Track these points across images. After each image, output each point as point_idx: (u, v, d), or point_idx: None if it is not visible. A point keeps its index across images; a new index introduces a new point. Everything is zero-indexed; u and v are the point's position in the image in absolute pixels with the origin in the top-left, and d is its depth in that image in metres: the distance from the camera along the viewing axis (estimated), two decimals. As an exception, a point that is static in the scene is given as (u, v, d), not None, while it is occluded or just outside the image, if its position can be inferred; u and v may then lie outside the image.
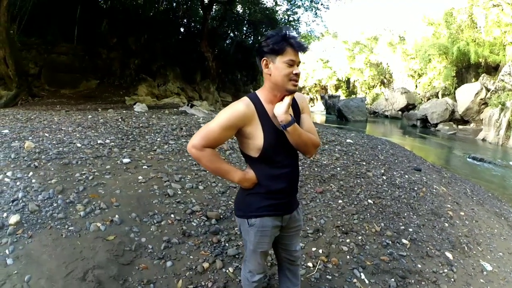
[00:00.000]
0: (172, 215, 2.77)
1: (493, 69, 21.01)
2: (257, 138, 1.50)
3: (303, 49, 1.50)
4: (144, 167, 3.58)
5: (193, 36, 18.55)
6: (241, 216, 1.68)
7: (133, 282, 2.08)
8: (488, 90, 18.84)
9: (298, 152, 1.65)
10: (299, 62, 1.50)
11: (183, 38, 18.84)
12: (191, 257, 2.38)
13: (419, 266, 2.85)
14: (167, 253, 2.36)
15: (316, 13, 19.82)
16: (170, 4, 18.50)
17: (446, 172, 7.45)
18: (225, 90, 19.67)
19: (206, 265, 2.33)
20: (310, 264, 2.59)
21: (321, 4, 19.11)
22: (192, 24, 19.52)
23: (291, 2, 19.85)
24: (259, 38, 22.50)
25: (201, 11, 17.28)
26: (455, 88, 22.81)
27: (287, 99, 1.50)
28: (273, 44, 1.45)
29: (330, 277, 2.49)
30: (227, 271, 2.33)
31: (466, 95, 20.18)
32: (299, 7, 19.89)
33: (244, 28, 22.17)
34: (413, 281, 2.64)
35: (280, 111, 1.47)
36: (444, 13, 26.30)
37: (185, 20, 19.23)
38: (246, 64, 21.50)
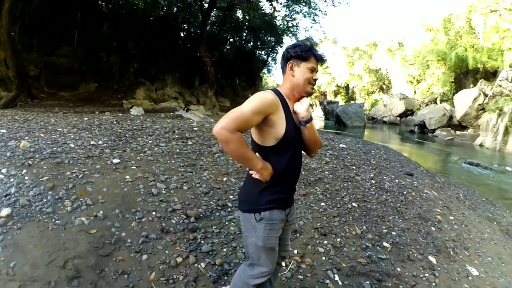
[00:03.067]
0: (154, 213, 2.90)
1: (491, 75, 21.12)
2: (279, 127, 1.60)
3: (324, 60, 1.77)
4: (132, 167, 3.72)
5: (192, 41, 18.70)
6: (248, 210, 1.70)
7: (109, 272, 2.21)
8: (486, 95, 18.91)
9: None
10: (317, 71, 1.75)
11: (183, 43, 19.00)
12: (166, 252, 2.49)
13: (399, 269, 2.86)
14: (144, 247, 2.48)
15: (314, 19, 20.06)
16: (170, 9, 18.71)
17: (440, 177, 7.49)
18: (224, 95, 19.73)
19: (179, 259, 2.43)
20: (282, 264, 2.61)
21: (319, 10, 19.32)
22: (192, 29, 19.68)
23: (290, 8, 20.00)
24: (258, 43, 22.63)
25: (200, 17, 17.40)
26: (453, 94, 22.95)
27: (308, 99, 1.75)
28: (302, 51, 1.68)
29: (301, 277, 2.53)
30: (199, 266, 2.42)
31: (464, 101, 20.28)
32: (297, 13, 20.12)
33: (244, 34, 22.33)
34: (390, 284, 2.64)
35: (303, 108, 1.70)
36: (442, 19, 26.61)
37: (184, 25, 19.39)
38: (245, 70, 21.62)
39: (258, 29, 20.79)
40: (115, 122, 6.25)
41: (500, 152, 15.09)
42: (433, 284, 2.78)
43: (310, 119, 1.71)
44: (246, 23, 20.84)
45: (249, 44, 23.31)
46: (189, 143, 5.14)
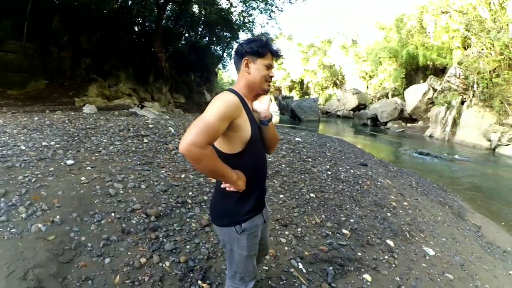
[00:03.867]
0: (113, 214, 2.80)
1: (440, 71, 22.44)
2: (245, 130, 1.50)
3: (280, 56, 1.66)
4: (87, 168, 3.58)
5: (147, 35, 18.05)
6: (228, 224, 1.60)
7: (72, 280, 2.11)
8: (435, 90, 20.12)
9: None
10: (273, 67, 1.65)
11: (137, 37, 18.27)
12: (129, 253, 2.42)
13: (359, 254, 2.97)
14: (106, 251, 2.39)
15: (270, 15, 20.33)
16: (124, 2, 17.92)
17: (393, 166, 7.87)
18: (179, 91, 19.21)
19: (143, 260, 2.37)
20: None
21: (276, 7, 19.56)
22: (147, 23, 18.96)
23: (247, 4, 20.01)
24: (214, 39, 22.33)
25: (156, 10, 16.88)
26: (404, 89, 24.15)
27: (268, 97, 1.65)
28: (258, 47, 1.57)
29: (266, 268, 2.57)
30: (163, 265, 2.38)
31: (414, 95, 21.46)
32: (254, 9, 20.18)
33: (199, 29, 21.92)
34: (352, 268, 2.74)
35: (264, 107, 1.61)
36: (395, 18, 27.88)
37: (139, 19, 18.66)
38: (200, 65, 21.24)
39: (214, 24, 20.42)
40: (67, 121, 5.96)
41: (449, 142, 16.16)
42: (393, 265, 2.92)
43: (271, 118, 1.67)
44: (202, 18, 20.44)
45: (204, 39, 22.90)
46: (145, 140, 5.04)
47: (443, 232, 4.02)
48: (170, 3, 17.64)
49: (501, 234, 4.97)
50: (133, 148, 4.56)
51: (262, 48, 1.57)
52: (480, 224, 5.01)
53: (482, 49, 16.61)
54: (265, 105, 1.61)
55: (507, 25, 15.74)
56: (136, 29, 18.81)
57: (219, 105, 1.39)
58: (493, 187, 8.51)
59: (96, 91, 13.12)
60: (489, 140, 14.33)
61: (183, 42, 21.32)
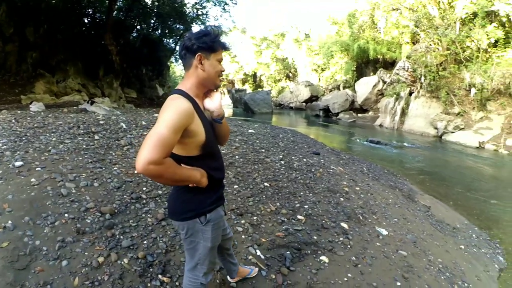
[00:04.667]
0: (66, 215, 2.74)
1: (389, 65, 23.46)
2: (199, 134, 1.48)
3: (229, 49, 1.63)
4: (37, 169, 3.43)
5: (97, 27, 17.02)
6: (193, 216, 1.60)
7: (30, 286, 2.06)
8: (384, 82, 21.14)
9: None
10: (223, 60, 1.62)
11: (87, 29, 17.22)
12: (86, 253, 2.39)
13: (315, 237, 3.11)
14: (62, 253, 2.34)
15: (224, 8, 19.98)
16: (74, -9, 16.80)
17: (345, 154, 8.20)
18: (130, 85, 18.36)
19: (101, 259, 2.35)
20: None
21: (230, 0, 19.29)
22: (97, 14, 17.85)
23: (201, -4, 19.53)
24: (167, 31, 21.60)
25: (107, 1, 16.02)
26: (355, 81, 25.01)
27: (219, 94, 1.63)
28: (211, 42, 1.51)
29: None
30: (122, 262, 2.38)
31: (365, 87, 22.36)
32: (208, 1, 19.73)
33: (152, 21, 20.97)
34: (309, 251, 2.88)
35: (216, 105, 1.59)
36: (347, 14, 28.64)
37: (89, 10, 17.57)
38: (152, 59, 20.44)
39: (166, 16, 19.58)
40: (13, 121, 5.60)
41: (398, 130, 17.06)
42: (348, 246, 3.08)
43: (224, 115, 1.66)
44: (155, 10, 19.53)
45: (157, 32, 21.98)
46: (96, 137, 4.89)
47: (394, 213, 4.26)
48: (122, -7, 16.82)
49: (450, 212, 5.36)
50: (84, 146, 4.41)
51: (215, 43, 1.53)
52: (430, 205, 5.35)
53: (430, 45, 17.65)
54: (217, 103, 1.59)
55: (455, 22, 16.86)
56: (86, 21, 17.72)
57: (171, 115, 1.34)
58: (441, 170, 9.05)
59: (43, 88, 12.26)
60: (436, 128, 15.24)
61: (134, 35, 20.27)
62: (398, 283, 2.72)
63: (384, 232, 3.56)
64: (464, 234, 4.53)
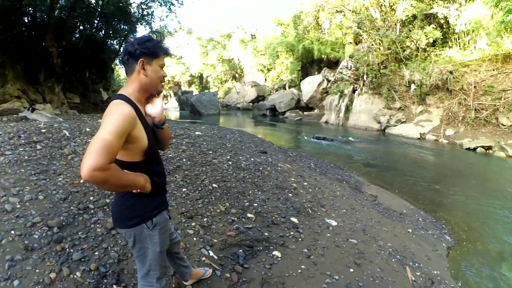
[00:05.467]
0: (12, 231, 2.61)
1: (333, 64, 24.52)
2: (142, 140, 1.49)
3: (171, 54, 1.67)
4: (-24, 185, 3.19)
5: (37, 28, 15.73)
6: (139, 222, 1.60)
7: None
8: (328, 81, 22.08)
9: None
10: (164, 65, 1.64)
11: (26, 30, 15.87)
12: (37, 270, 2.31)
13: (266, 234, 3.20)
14: (12, 272, 2.25)
15: (170, 8, 19.53)
16: (12, -10, 15.32)
17: (292, 152, 8.41)
18: (72, 90, 17.18)
19: (53, 275, 2.28)
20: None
21: (176, 0, 19.00)
22: (38, 14, 16.48)
23: (146, -5, 18.88)
24: (111, 32, 20.68)
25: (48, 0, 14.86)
26: (300, 80, 25.94)
27: (160, 100, 1.65)
28: (153, 47, 1.53)
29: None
30: (75, 276, 2.32)
31: (310, 86, 23.25)
32: (153, 1, 19.22)
33: (95, 21, 19.85)
34: (261, 248, 2.96)
35: (158, 111, 1.61)
36: (293, 15, 29.49)
37: (29, 9, 16.15)
38: (96, 61, 19.32)
39: (111, 16, 18.57)
40: None
41: (343, 127, 17.89)
42: (300, 239, 3.19)
43: (165, 120, 1.70)
44: (99, 9, 18.50)
45: (100, 33, 20.74)
46: (38, 147, 4.62)
47: (342, 204, 4.44)
48: (65, -9, 15.65)
49: (396, 200, 5.64)
50: (26, 157, 4.15)
51: (157, 49, 1.55)
52: (376, 194, 5.66)
53: (372, 45, 18.95)
54: (159, 109, 1.62)
55: (395, 24, 18.33)
56: (26, 20, 16.29)
57: (114, 120, 1.34)
58: (385, 161, 9.47)
59: (-21, 95, 11.18)
60: (379, 123, 16.26)
61: (77, 36, 19.01)
62: (351, 270, 2.87)
63: (334, 223, 3.72)
64: (411, 219, 4.77)
